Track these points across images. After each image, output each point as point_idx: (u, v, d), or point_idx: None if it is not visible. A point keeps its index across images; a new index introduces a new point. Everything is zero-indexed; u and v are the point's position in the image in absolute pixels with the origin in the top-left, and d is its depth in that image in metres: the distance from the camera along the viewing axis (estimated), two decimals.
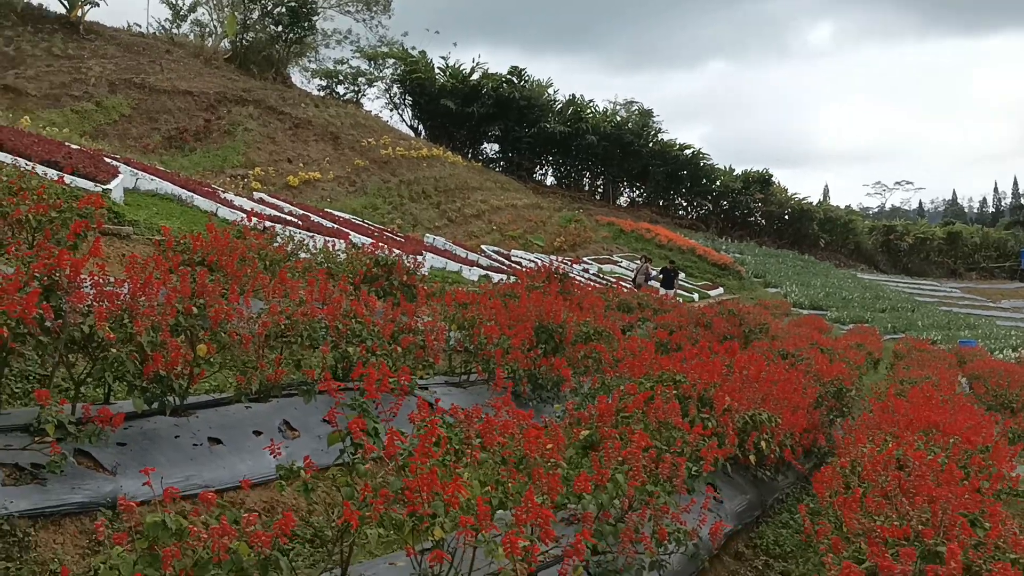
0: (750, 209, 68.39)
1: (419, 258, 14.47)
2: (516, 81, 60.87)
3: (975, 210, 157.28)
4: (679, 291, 32.01)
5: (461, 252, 27.54)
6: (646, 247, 46.98)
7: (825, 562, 3.92)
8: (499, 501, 3.58)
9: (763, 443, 7.78)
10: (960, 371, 25.02)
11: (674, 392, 7.09)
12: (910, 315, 48.31)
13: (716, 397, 7.35)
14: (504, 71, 61.11)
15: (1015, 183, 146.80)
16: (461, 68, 60.56)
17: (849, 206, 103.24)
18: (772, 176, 67.68)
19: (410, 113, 61.03)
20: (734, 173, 67.79)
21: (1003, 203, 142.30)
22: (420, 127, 60.46)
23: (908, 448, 6.11)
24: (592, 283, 27.03)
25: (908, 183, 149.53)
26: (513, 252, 36.01)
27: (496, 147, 64.02)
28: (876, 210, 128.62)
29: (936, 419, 8.53)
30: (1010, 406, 17.90)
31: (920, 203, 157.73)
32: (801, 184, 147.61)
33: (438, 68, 60.04)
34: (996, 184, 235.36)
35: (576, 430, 5.69)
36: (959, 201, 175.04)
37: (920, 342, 32.40)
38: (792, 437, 8.76)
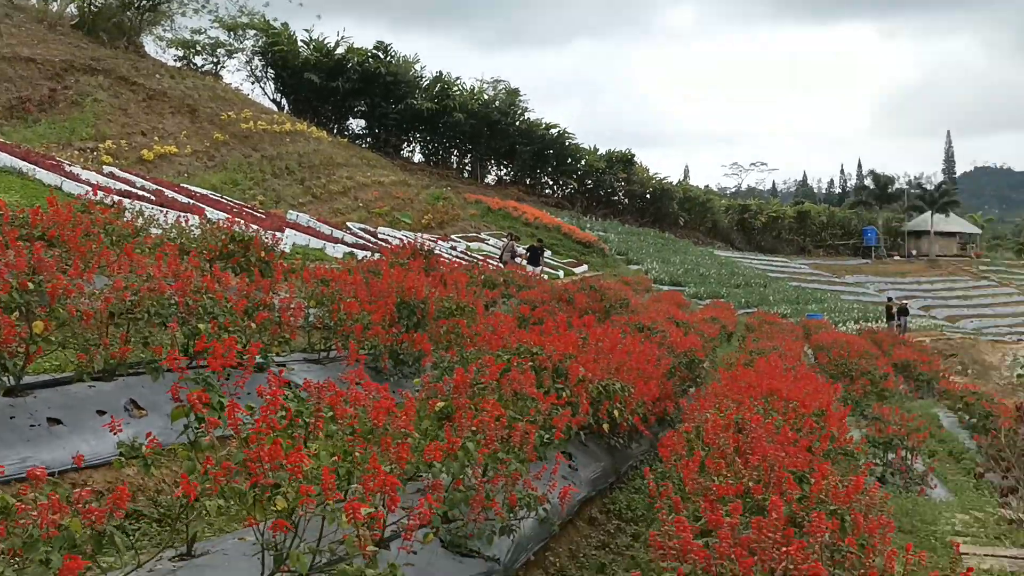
0: (614, 188, 69.95)
1: (279, 234, 14.20)
2: (382, 56, 60.10)
3: (824, 190, 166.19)
4: (545, 268, 32.54)
5: (326, 229, 27.13)
6: (513, 225, 47.41)
7: (660, 518, 4.14)
8: (346, 471, 3.60)
9: (616, 412, 8.06)
10: (806, 342, 26.50)
11: (530, 364, 7.24)
12: (762, 290, 50.62)
13: (571, 368, 7.56)
14: (370, 46, 60.29)
15: (859, 165, 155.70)
16: (326, 42, 59.31)
17: (708, 186, 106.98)
18: (635, 156, 69.47)
19: (272, 87, 59.43)
20: (598, 153, 69.12)
21: (848, 184, 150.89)
22: (283, 101, 58.94)
23: (747, 413, 6.47)
24: (460, 260, 27.11)
25: (763, 164, 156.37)
26: (380, 229, 35.68)
27: (363, 123, 63.13)
28: (733, 190, 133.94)
29: (777, 386, 9.02)
30: (849, 374, 19.11)
31: (774, 183, 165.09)
32: (663, 164, 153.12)
33: (301, 41, 58.61)
34: (843, 166, 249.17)
35: (432, 402, 5.75)
36: (809, 182, 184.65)
37: (771, 315, 34.07)
38: (644, 406, 9.10)
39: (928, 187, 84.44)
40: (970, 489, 11.54)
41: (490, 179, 67.33)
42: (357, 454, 3.64)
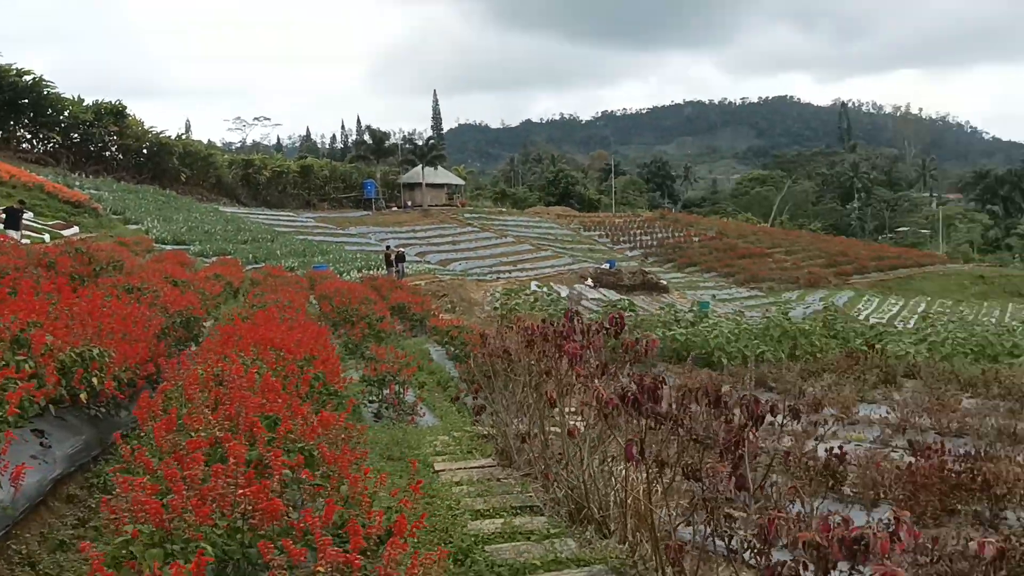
0: (105, 143, 64.28)
1: None
2: None
3: (327, 146, 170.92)
4: (26, 232, 29.20)
5: None
6: None
7: (114, 481, 3.96)
8: None
9: (95, 379, 7.51)
10: (312, 293, 27.19)
11: None
12: (270, 245, 50.61)
13: (35, 337, 6.86)
14: None
15: (358, 122, 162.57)
16: None
17: (212, 141, 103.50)
18: (126, 108, 64.39)
19: None
20: (84, 104, 62.90)
21: (350, 139, 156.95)
22: None
23: (228, 365, 6.44)
24: None
25: (267, 119, 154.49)
26: None
27: None
28: (239, 145, 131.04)
29: (269, 336, 9.12)
30: (351, 319, 20.02)
31: (279, 139, 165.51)
32: (162, 118, 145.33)
33: None
34: (343, 122, 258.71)
35: None
36: (313, 137, 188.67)
37: (277, 269, 34.29)
38: (131, 370, 8.62)
39: (419, 143, 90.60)
40: (453, 412, 12.86)
41: None
42: None
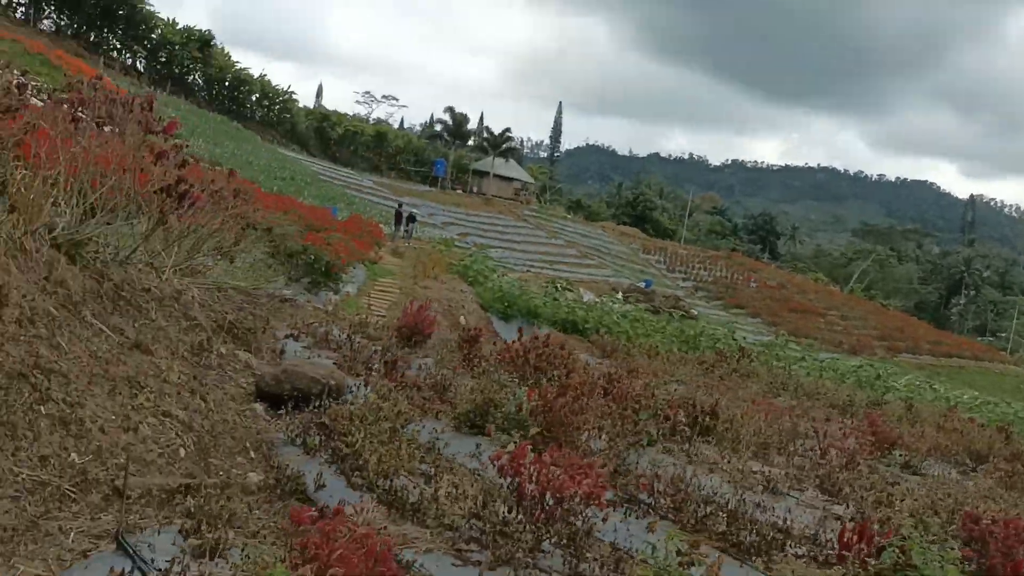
0: (188, 67, 66.66)
1: None
2: None
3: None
4: None
5: None
6: (52, 75, 43.40)
7: None
8: None
9: None
10: None
11: None
12: (305, 186, 51.39)
13: None
14: None
15: (481, 119, 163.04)
16: None
17: (336, 110, 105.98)
18: (214, 38, 66.70)
19: None
20: (177, 27, 65.47)
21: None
22: None
23: None
24: None
25: (394, 99, 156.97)
26: None
27: None
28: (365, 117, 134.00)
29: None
30: None
31: (403, 120, 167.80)
32: (298, 82, 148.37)
33: None
34: (467, 116, 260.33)
35: None
36: (436, 126, 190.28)
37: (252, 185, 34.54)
38: None
39: (496, 132, 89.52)
40: None
41: (47, 24, 60.93)
42: None
